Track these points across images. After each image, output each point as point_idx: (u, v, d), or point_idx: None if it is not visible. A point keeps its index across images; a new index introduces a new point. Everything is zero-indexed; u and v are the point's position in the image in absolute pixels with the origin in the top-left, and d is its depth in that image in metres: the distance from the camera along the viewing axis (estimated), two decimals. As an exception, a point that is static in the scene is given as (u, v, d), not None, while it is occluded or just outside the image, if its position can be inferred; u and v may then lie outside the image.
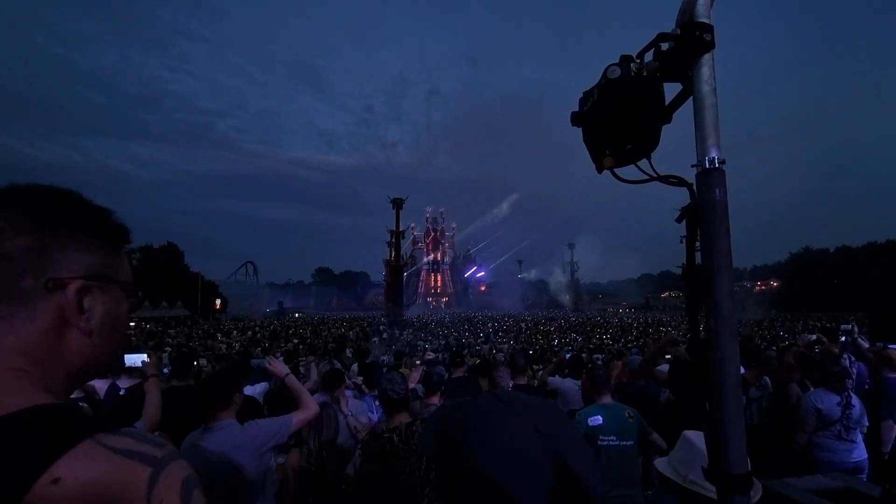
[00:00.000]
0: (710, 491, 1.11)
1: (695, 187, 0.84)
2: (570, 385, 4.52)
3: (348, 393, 3.85)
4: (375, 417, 3.60)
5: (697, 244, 0.82)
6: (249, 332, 24.11)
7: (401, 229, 35.78)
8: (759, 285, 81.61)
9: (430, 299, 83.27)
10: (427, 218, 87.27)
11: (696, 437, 1.25)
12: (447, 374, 6.97)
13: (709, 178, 0.80)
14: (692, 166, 0.83)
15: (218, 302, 51.44)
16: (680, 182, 0.88)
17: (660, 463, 1.34)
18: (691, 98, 0.86)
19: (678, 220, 0.86)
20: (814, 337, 5.45)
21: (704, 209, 0.80)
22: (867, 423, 3.46)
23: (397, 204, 34.81)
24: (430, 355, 4.89)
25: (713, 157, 0.80)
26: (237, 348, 13.87)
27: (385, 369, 6.19)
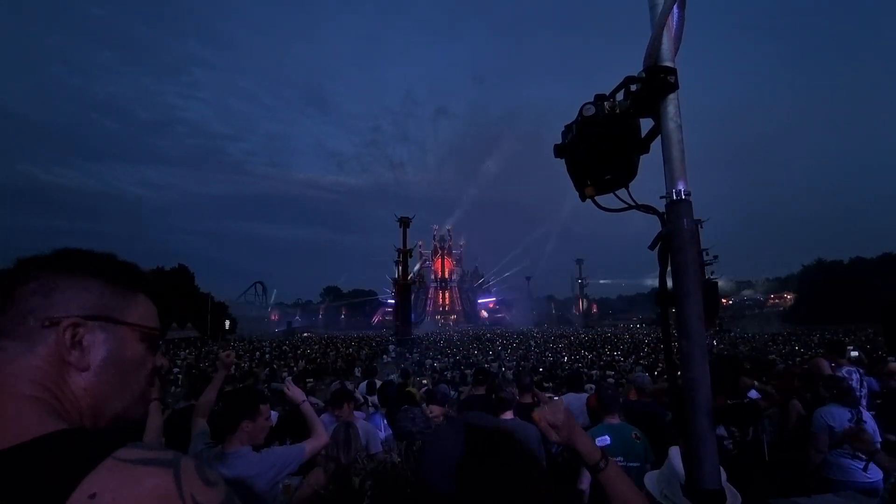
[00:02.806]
0: None
1: (665, 216, 0.89)
2: (568, 398, 4.50)
3: (359, 414, 3.86)
4: (383, 436, 3.61)
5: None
6: (258, 353, 24.13)
7: (408, 248, 35.92)
8: (773, 298, 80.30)
9: (438, 317, 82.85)
10: (434, 236, 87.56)
11: (675, 453, 1.27)
12: (456, 393, 6.94)
13: (677, 209, 0.86)
14: (661, 197, 0.89)
15: (227, 322, 51.71)
16: (652, 211, 0.94)
17: (647, 478, 1.37)
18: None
19: (651, 248, 0.92)
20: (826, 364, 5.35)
21: (673, 237, 0.86)
22: (881, 439, 3.39)
23: (404, 223, 35.05)
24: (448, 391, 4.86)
25: (680, 189, 0.86)
26: (245, 369, 13.91)
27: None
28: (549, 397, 5.65)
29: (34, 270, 0.60)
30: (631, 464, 2.89)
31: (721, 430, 3.01)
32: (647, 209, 0.96)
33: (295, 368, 13.78)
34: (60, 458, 0.49)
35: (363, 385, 6.35)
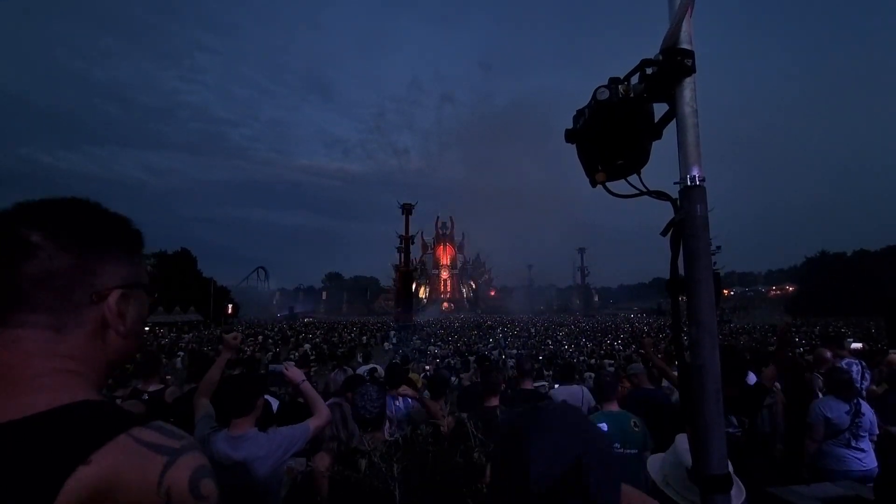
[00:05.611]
0: (681, 497, 1.15)
1: (678, 202, 0.88)
2: (559, 392, 4.51)
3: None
4: (394, 421, 3.66)
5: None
6: (260, 338, 24.30)
7: (410, 234, 35.84)
8: (775, 290, 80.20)
9: (440, 304, 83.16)
10: (437, 223, 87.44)
11: (682, 440, 1.28)
12: (457, 380, 6.99)
13: (690, 195, 0.85)
14: (674, 183, 0.88)
15: (230, 307, 52.09)
16: (665, 197, 0.93)
17: (651, 462, 1.37)
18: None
19: (663, 234, 0.91)
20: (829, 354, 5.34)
21: (687, 224, 0.85)
22: (878, 432, 3.42)
23: (407, 209, 34.91)
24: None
25: (694, 175, 0.85)
26: (248, 353, 14.04)
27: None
28: (544, 385, 5.68)
29: (67, 239, 0.59)
30: (629, 451, 2.92)
31: (731, 419, 3.05)
32: (660, 195, 0.95)
33: (296, 354, 13.91)
34: (82, 427, 0.52)
35: (365, 370, 6.40)
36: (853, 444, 3.31)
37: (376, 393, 2.35)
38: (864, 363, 4.40)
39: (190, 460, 0.56)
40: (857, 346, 6.14)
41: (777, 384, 4.25)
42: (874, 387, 4.51)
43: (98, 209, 0.65)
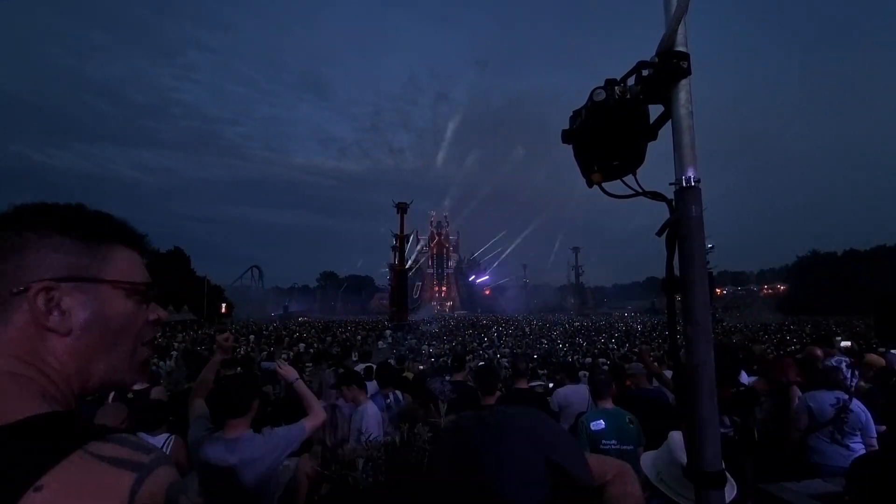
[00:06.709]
0: (674, 493, 1.17)
1: (673, 203, 0.89)
2: (565, 391, 4.55)
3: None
4: (387, 419, 3.65)
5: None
6: (252, 337, 24.17)
7: (405, 234, 35.81)
8: (766, 289, 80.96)
9: (434, 303, 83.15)
10: (432, 222, 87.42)
11: (676, 437, 1.30)
12: (449, 377, 6.98)
13: (685, 196, 0.86)
14: (670, 184, 0.89)
15: (224, 306, 51.82)
16: (660, 198, 0.94)
17: (644, 459, 1.39)
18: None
19: (658, 234, 0.92)
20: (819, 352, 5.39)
21: (682, 224, 0.86)
22: (875, 434, 3.31)
23: (402, 208, 34.90)
24: None
25: (689, 176, 0.86)
26: (241, 353, 13.96)
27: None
28: (541, 385, 5.73)
29: None
30: (625, 447, 2.97)
31: (724, 418, 3.09)
32: (655, 196, 0.96)
33: (290, 353, 13.86)
34: (27, 449, 0.46)
35: (361, 369, 6.38)
36: (837, 438, 3.32)
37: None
38: (853, 360, 4.47)
39: (162, 476, 0.50)
40: (846, 344, 6.25)
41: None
42: (862, 383, 4.57)
43: (38, 203, 0.59)
